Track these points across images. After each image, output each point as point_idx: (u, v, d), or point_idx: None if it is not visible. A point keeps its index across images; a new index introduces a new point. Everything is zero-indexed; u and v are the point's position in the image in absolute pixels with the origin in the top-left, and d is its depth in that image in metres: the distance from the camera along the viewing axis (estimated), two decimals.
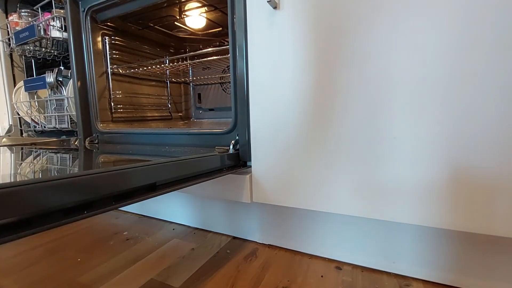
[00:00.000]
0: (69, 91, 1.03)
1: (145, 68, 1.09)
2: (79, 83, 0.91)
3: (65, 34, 1.01)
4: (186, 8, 0.98)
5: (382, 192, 0.51)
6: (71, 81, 1.00)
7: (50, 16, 0.98)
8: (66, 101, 1.04)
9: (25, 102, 1.18)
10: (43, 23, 0.99)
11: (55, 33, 1.01)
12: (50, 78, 1.05)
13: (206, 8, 0.96)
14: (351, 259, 0.63)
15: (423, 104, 0.47)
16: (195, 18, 1.02)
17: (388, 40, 0.48)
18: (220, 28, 1.09)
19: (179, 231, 0.81)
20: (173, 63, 1.24)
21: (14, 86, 1.25)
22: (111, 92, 0.97)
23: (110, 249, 0.71)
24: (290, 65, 0.57)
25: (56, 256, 0.68)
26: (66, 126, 1.06)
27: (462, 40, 0.44)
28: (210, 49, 0.91)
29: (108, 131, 0.91)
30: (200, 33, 1.15)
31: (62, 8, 0.96)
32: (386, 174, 0.51)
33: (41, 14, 0.99)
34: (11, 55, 1.25)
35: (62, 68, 1.05)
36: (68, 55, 0.94)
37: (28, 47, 1.07)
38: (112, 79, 0.97)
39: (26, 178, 0.38)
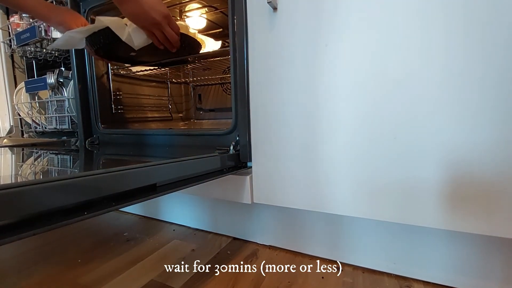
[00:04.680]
0: (69, 92, 1.03)
1: (145, 69, 1.09)
2: (79, 84, 0.91)
3: None
4: (186, 9, 0.98)
5: (382, 193, 0.51)
6: (71, 82, 1.00)
7: None
8: (66, 102, 1.04)
9: (26, 103, 1.18)
10: (44, 24, 1.00)
11: (56, 34, 1.01)
12: (51, 79, 1.05)
13: (206, 9, 0.96)
14: (351, 260, 0.63)
15: (422, 104, 0.47)
16: (196, 19, 1.03)
17: (391, 41, 0.48)
18: (221, 29, 1.09)
19: (179, 232, 0.81)
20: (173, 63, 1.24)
21: (15, 87, 1.25)
22: (112, 93, 0.97)
23: (110, 250, 0.71)
24: (290, 65, 0.57)
25: (57, 257, 0.68)
26: (67, 127, 1.06)
27: (466, 39, 0.44)
28: (210, 50, 0.91)
29: (108, 132, 0.91)
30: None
31: None
32: (386, 175, 0.50)
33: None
34: (12, 56, 1.25)
35: (63, 69, 1.05)
36: (69, 56, 0.94)
37: (29, 48, 1.07)
38: (112, 80, 0.97)
39: (26, 179, 0.38)
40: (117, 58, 0.83)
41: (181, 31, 0.68)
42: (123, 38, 0.63)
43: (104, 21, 0.63)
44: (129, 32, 0.62)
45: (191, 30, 0.80)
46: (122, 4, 0.57)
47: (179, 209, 0.86)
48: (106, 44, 0.68)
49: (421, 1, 0.46)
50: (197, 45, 0.80)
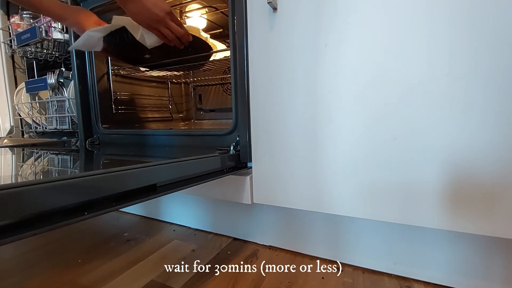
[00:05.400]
0: (70, 92, 1.03)
1: (146, 69, 1.09)
2: (80, 85, 0.91)
3: (66, 36, 1.02)
4: (187, 9, 0.98)
5: (384, 193, 0.51)
6: (72, 82, 1.00)
7: None
8: (67, 102, 1.04)
9: (26, 103, 1.19)
10: (45, 24, 1.00)
11: (57, 35, 1.01)
12: (51, 79, 1.05)
13: (206, 9, 0.96)
14: (352, 260, 0.63)
15: (424, 106, 0.47)
16: (196, 20, 1.03)
17: (392, 41, 0.48)
18: (221, 30, 1.09)
19: (179, 232, 0.81)
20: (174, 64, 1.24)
21: (16, 87, 1.25)
22: (112, 93, 0.97)
23: (110, 250, 0.71)
24: (290, 66, 0.57)
25: (57, 257, 0.68)
26: (67, 127, 1.06)
27: (471, 42, 0.44)
28: (211, 51, 0.91)
29: (109, 132, 0.91)
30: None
31: None
32: (388, 176, 0.50)
33: (43, 15, 0.99)
34: (12, 57, 1.25)
35: (63, 69, 1.05)
36: (69, 56, 0.94)
37: (29, 49, 1.07)
38: (113, 80, 0.97)
39: (27, 179, 0.38)
40: (132, 60, 0.87)
41: (192, 33, 0.71)
42: (137, 37, 0.65)
43: (121, 20, 0.66)
44: (142, 32, 0.65)
45: (203, 34, 0.83)
46: (126, 4, 0.59)
47: (179, 210, 0.86)
48: (122, 44, 0.71)
49: (425, 4, 0.46)
50: (209, 48, 0.84)
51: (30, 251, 0.71)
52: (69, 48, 0.82)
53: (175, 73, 1.20)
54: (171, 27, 0.64)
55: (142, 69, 1.05)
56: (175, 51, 0.73)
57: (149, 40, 0.66)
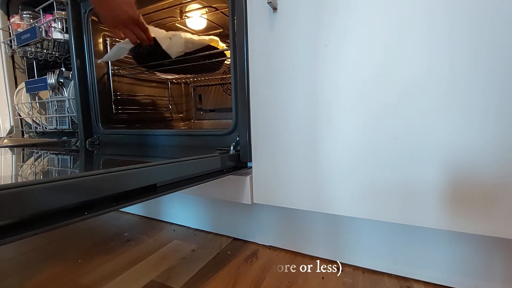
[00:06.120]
0: (70, 92, 1.03)
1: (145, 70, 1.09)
2: (80, 84, 0.91)
3: (66, 36, 1.02)
4: (187, 9, 0.98)
5: (384, 193, 0.51)
6: (72, 82, 1.00)
7: (51, 17, 0.98)
8: (67, 102, 1.04)
9: (27, 103, 1.18)
10: (45, 24, 1.00)
11: (57, 35, 1.01)
12: (51, 79, 1.05)
13: (206, 9, 0.96)
14: (352, 260, 0.63)
15: (424, 106, 0.47)
16: (196, 20, 1.03)
17: (393, 41, 0.48)
18: (221, 30, 1.09)
19: (179, 232, 0.81)
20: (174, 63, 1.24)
21: (16, 87, 1.25)
22: (112, 93, 0.97)
23: (110, 250, 0.71)
24: (290, 66, 0.57)
25: (57, 257, 0.68)
26: (67, 127, 1.06)
27: (471, 42, 0.44)
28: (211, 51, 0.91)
29: (109, 132, 0.91)
30: (200, 34, 1.14)
31: (63, 9, 0.96)
32: (388, 176, 0.50)
33: (43, 15, 0.99)
34: (12, 57, 1.25)
35: (64, 69, 1.05)
36: (69, 56, 0.94)
37: (29, 49, 1.07)
38: (113, 80, 0.97)
39: (27, 179, 0.38)
40: (150, 65, 0.95)
41: (212, 44, 0.84)
42: (164, 46, 0.74)
43: (153, 31, 0.74)
44: (169, 43, 0.74)
45: (221, 44, 0.91)
46: (97, 5, 0.67)
47: (180, 210, 0.86)
48: (147, 52, 0.80)
49: (425, 4, 0.46)
50: (223, 56, 0.94)
51: (30, 251, 0.71)
52: (99, 61, 0.89)
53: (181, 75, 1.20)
54: (134, 31, 0.71)
55: (143, 69, 1.05)
56: (193, 57, 0.81)
57: (174, 50, 0.74)
